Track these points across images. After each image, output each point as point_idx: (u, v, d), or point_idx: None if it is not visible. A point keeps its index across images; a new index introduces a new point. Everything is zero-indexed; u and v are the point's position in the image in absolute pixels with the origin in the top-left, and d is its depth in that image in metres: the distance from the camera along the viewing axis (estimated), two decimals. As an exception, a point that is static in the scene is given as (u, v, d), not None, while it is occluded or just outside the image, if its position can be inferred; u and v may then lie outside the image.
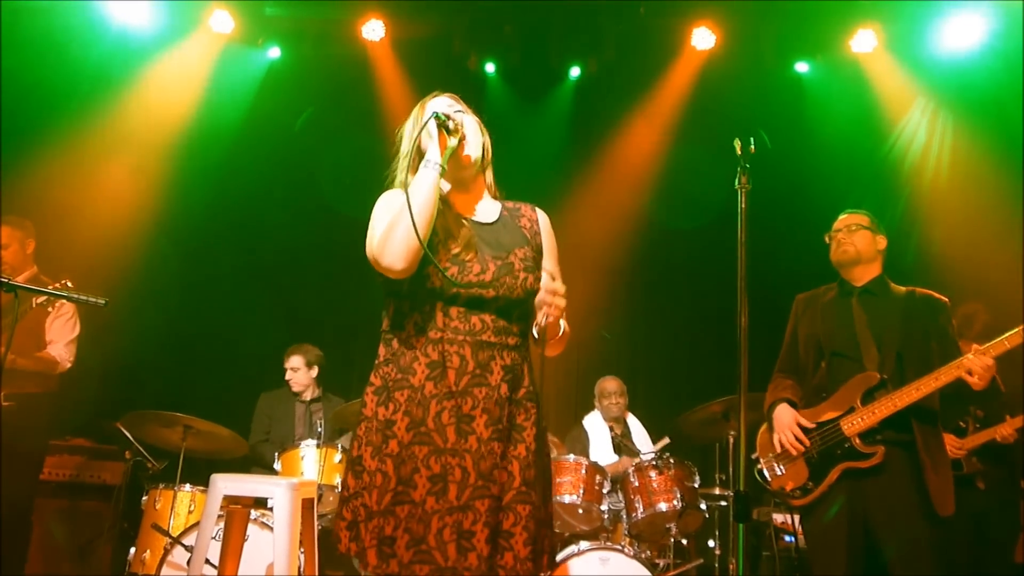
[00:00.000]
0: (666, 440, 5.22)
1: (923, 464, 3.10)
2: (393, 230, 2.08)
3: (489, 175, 2.38)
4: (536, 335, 2.19)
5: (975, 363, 3.01)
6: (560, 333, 2.21)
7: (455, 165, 2.24)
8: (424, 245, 2.07)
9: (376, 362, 2.22)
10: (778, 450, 3.36)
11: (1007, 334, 3.03)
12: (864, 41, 6.15)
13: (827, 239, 3.52)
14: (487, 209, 2.33)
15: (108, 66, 6.10)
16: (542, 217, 2.40)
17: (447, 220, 2.21)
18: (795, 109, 6.53)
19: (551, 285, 2.13)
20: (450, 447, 2.05)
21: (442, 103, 2.31)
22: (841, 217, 3.53)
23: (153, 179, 6.20)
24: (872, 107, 6.30)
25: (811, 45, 6.39)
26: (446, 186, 2.30)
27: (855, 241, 3.42)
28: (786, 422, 3.34)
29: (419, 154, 2.22)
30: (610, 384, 5.58)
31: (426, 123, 2.15)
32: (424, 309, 2.16)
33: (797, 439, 3.29)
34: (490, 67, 6.66)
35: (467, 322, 2.14)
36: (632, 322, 6.75)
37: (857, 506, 3.18)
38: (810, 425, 3.31)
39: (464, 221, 2.24)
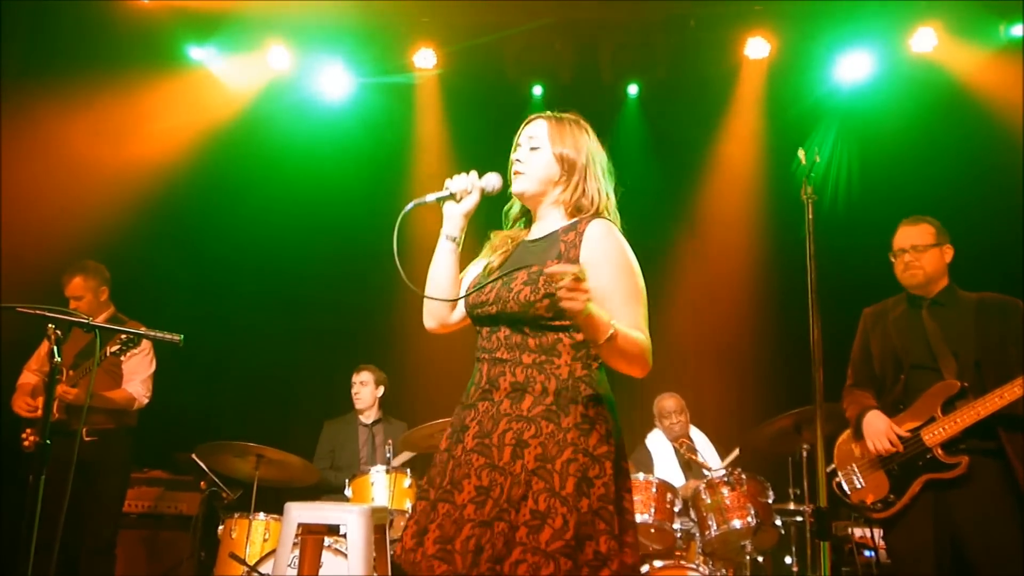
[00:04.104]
0: (736, 452, 5.11)
1: (1017, 472, 2.99)
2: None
3: (570, 193, 2.30)
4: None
5: None
6: (608, 337, 2.00)
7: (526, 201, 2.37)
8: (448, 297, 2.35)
9: None
10: (872, 453, 3.25)
11: None
12: (924, 40, 6.00)
13: (892, 257, 3.39)
14: (545, 227, 2.34)
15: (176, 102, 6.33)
16: (592, 229, 2.22)
17: (494, 248, 2.39)
18: (856, 113, 6.41)
19: (554, 269, 1.97)
20: (452, 454, 2.18)
21: (527, 131, 2.35)
22: (904, 229, 3.38)
23: (226, 211, 6.40)
24: (935, 107, 6.14)
25: (869, 46, 6.24)
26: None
27: (923, 264, 3.30)
28: (881, 428, 3.24)
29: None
30: (668, 403, 5.41)
31: (406, 212, 2.26)
32: (476, 335, 2.33)
33: (891, 444, 3.20)
34: (537, 90, 6.73)
35: (490, 341, 2.24)
36: (697, 335, 6.66)
37: (943, 518, 3.09)
38: (905, 433, 3.21)
39: (509, 244, 2.36)
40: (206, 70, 6.50)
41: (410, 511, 2.27)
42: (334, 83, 6.69)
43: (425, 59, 6.48)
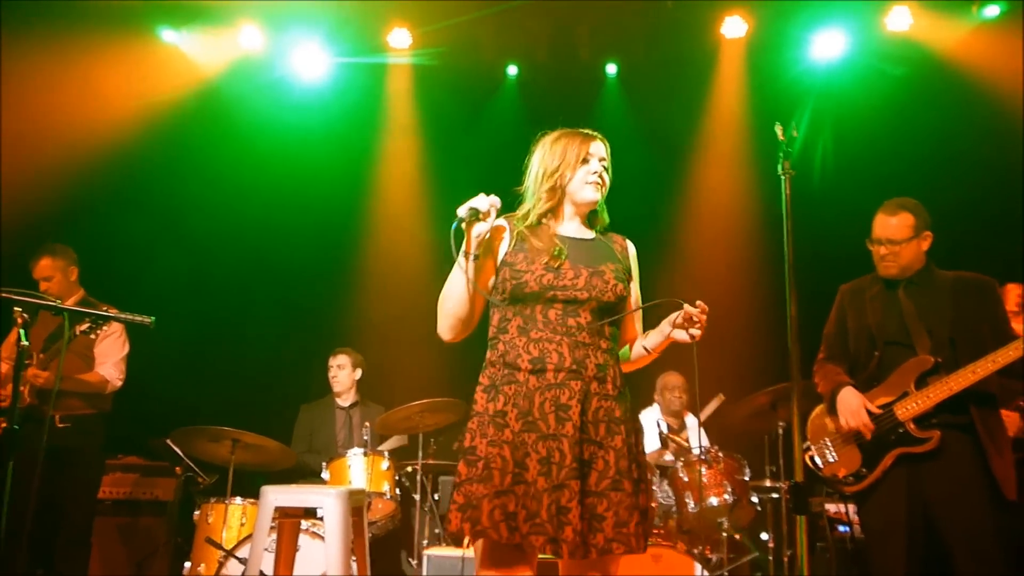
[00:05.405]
0: (721, 398, 5.15)
1: (986, 449, 3.03)
2: (439, 311, 2.50)
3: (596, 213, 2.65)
4: (646, 349, 2.52)
5: None
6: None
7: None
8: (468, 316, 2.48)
9: (484, 364, 2.51)
10: (846, 429, 3.28)
11: None
12: (899, 19, 6.02)
13: (869, 244, 3.37)
14: (583, 231, 2.61)
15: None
16: (630, 246, 2.67)
17: (541, 237, 2.51)
18: (832, 91, 6.44)
19: (694, 309, 2.37)
20: (552, 432, 2.34)
21: (599, 149, 2.60)
22: (882, 219, 3.33)
23: (200, 194, 6.33)
24: (909, 85, 6.17)
25: (844, 25, 6.25)
26: (568, 210, 2.60)
27: (900, 259, 3.29)
28: (855, 405, 3.26)
29: (552, 191, 2.53)
30: (673, 379, 5.61)
31: (455, 228, 2.37)
32: (525, 313, 2.44)
33: (865, 424, 3.22)
34: (512, 69, 6.70)
35: (564, 323, 2.40)
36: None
37: (915, 493, 3.12)
38: (876, 411, 3.23)
39: (558, 239, 2.52)
40: (178, 49, 6.40)
41: (507, 493, 2.31)
42: (308, 63, 6.60)
43: (400, 39, 6.43)
